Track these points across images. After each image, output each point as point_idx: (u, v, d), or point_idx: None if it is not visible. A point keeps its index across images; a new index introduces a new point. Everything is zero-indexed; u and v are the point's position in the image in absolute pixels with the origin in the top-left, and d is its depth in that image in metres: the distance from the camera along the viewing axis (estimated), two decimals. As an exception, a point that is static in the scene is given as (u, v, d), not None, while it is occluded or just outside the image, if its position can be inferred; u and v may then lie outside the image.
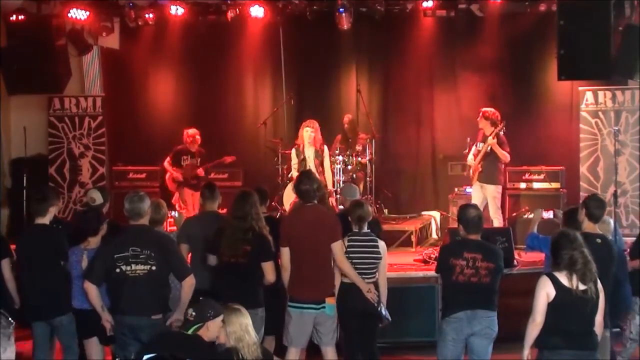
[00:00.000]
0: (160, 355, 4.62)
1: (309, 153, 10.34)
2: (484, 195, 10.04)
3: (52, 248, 6.73)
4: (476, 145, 10.17)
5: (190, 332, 4.89)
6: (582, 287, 5.26)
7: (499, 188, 10.17)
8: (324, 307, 6.52)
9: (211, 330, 4.92)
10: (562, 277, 5.28)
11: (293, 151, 10.50)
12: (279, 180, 10.89)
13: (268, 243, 6.48)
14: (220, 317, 4.95)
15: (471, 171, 10.22)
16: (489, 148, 9.93)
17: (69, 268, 6.64)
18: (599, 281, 5.36)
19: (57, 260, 6.74)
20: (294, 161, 10.43)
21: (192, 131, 10.91)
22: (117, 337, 6.07)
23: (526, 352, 5.44)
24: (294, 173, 10.16)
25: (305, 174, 7.02)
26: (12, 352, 3.86)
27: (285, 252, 6.52)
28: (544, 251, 7.12)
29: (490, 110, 10.16)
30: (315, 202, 6.67)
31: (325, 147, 10.50)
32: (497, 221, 9.96)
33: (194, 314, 4.94)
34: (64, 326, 6.73)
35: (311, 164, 10.24)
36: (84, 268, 6.40)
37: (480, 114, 10.15)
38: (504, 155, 9.98)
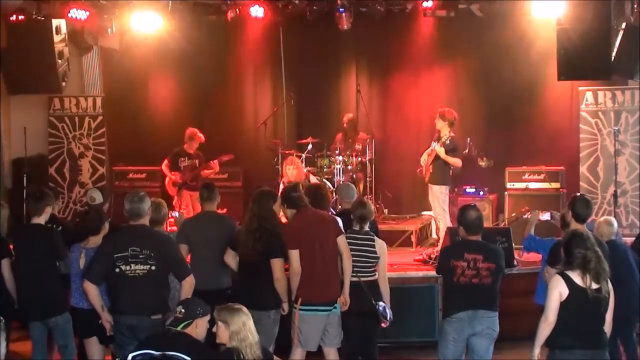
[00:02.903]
0: (150, 355, 4.62)
1: None
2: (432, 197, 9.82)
3: (47, 248, 6.74)
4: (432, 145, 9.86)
5: (179, 328, 4.92)
6: (595, 285, 5.27)
7: (443, 189, 9.71)
8: (335, 307, 6.56)
9: (199, 328, 4.96)
10: (575, 277, 5.28)
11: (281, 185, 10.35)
12: (278, 181, 10.88)
13: (280, 241, 6.49)
14: (208, 316, 4.99)
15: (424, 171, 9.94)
16: (434, 152, 9.61)
17: (68, 266, 6.64)
18: (609, 280, 5.37)
19: (52, 260, 6.75)
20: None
21: (190, 130, 10.85)
22: (116, 336, 6.07)
23: (537, 351, 5.43)
24: None
25: (289, 186, 7.18)
26: (3, 348, 3.89)
27: (295, 255, 6.49)
28: (540, 253, 7.13)
29: (447, 109, 9.89)
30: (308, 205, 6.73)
31: (310, 175, 10.48)
32: (442, 223, 9.71)
33: (183, 310, 4.97)
34: (59, 326, 6.74)
35: None
36: (82, 266, 6.41)
37: (437, 115, 9.86)
38: (454, 162, 9.57)
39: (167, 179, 10.87)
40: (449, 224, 9.44)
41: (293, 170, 10.28)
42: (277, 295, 6.52)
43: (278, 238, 6.51)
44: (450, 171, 9.73)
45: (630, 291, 6.62)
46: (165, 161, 10.86)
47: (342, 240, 6.59)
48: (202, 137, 10.84)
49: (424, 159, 9.90)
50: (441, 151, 9.52)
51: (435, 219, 11.32)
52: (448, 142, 9.50)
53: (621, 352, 6.78)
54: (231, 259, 6.73)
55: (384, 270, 6.85)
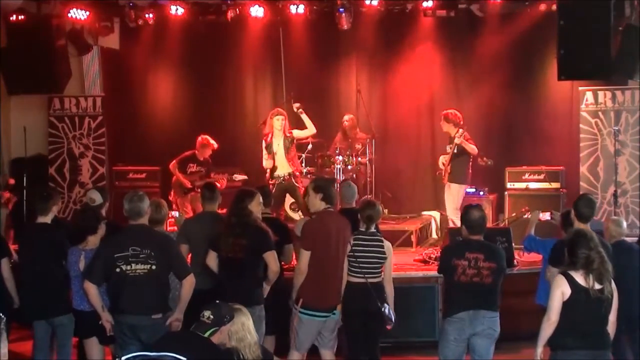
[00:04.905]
0: (144, 357, 4.58)
1: (279, 141, 10.18)
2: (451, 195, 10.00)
3: (53, 247, 6.75)
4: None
5: (206, 335, 4.82)
6: (597, 286, 5.27)
7: (462, 188, 10.03)
8: (334, 314, 6.59)
9: (223, 335, 4.88)
10: (578, 277, 5.28)
11: (263, 144, 10.32)
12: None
13: (265, 234, 6.46)
14: (233, 323, 4.91)
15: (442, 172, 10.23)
16: (456, 149, 9.93)
17: (68, 268, 6.64)
18: (612, 281, 5.36)
19: (59, 259, 6.74)
20: (264, 154, 10.26)
21: (203, 139, 10.77)
22: (117, 336, 6.06)
23: (539, 350, 5.42)
24: (267, 164, 10.19)
25: (325, 179, 7.11)
26: (4, 347, 3.87)
27: (307, 256, 6.50)
28: (541, 253, 7.13)
29: (451, 112, 10.17)
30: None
31: (294, 132, 10.36)
32: (451, 223, 9.82)
33: (211, 317, 4.85)
34: (64, 325, 6.74)
35: (282, 153, 10.15)
36: (82, 268, 6.41)
37: (442, 118, 10.17)
38: (473, 149, 9.96)
39: (174, 178, 10.82)
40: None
41: (282, 121, 10.08)
42: (261, 291, 6.51)
43: (263, 232, 6.47)
44: (469, 170, 9.98)
45: (634, 292, 6.59)
46: (174, 161, 10.82)
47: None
48: (214, 144, 10.79)
49: (442, 161, 10.14)
50: (462, 140, 9.80)
51: (435, 219, 11.38)
52: (465, 133, 9.81)
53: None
54: (213, 261, 6.57)
55: (390, 271, 6.81)
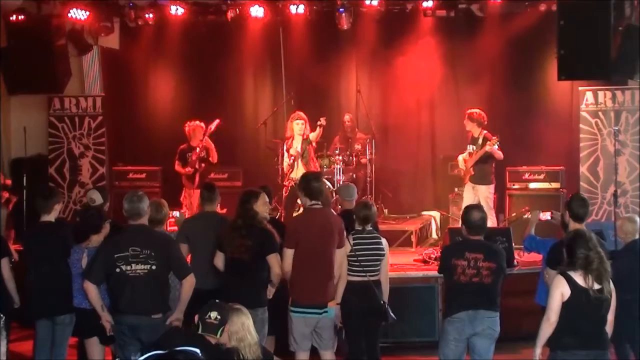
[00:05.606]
0: (155, 355, 4.57)
1: (297, 145, 10.35)
2: (476, 196, 10.04)
3: (58, 245, 6.75)
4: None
5: (218, 335, 4.80)
6: (597, 286, 5.26)
7: (491, 188, 10.21)
8: (326, 312, 6.53)
9: (226, 332, 4.86)
10: (578, 277, 5.27)
11: (284, 147, 10.53)
12: (278, 180, 10.87)
13: (271, 236, 6.46)
14: (232, 322, 4.90)
15: (462, 172, 10.29)
16: (483, 153, 10.00)
17: (70, 266, 6.64)
18: (611, 280, 5.36)
19: (64, 257, 6.74)
20: (286, 157, 10.49)
21: (189, 126, 10.80)
22: (117, 337, 6.07)
23: (538, 351, 5.41)
24: (287, 168, 10.38)
25: (311, 174, 7.11)
26: (4, 346, 3.87)
27: (290, 254, 6.47)
28: (541, 253, 7.13)
29: (475, 111, 10.22)
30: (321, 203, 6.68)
31: (311, 134, 10.58)
32: (490, 222, 9.91)
33: (218, 317, 4.82)
34: (65, 324, 6.74)
35: (299, 157, 10.33)
36: (84, 267, 6.41)
37: (466, 116, 10.23)
38: (500, 155, 10.06)
39: (183, 177, 10.83)
40: (494, 223, 9.65)
41: (302, 125, 10.34)
42: (265, 293, 6.51)
43: (268, 234, 6.46)
44: (493, 169, 10.16)
45: (635, 292, 6.58)
46: (176, 160, 10.83)
47: (341, 253, 6.57)
48: (202, 125, 10.79)
49: (462, 162, 10.25)
50: (494, 149, 9.92)
51: (435, 219, 11.40)
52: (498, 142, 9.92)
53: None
54: (220, 262, 6.59)
55: (386, 269, 6.86)
